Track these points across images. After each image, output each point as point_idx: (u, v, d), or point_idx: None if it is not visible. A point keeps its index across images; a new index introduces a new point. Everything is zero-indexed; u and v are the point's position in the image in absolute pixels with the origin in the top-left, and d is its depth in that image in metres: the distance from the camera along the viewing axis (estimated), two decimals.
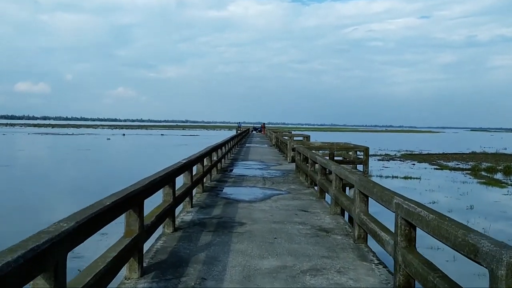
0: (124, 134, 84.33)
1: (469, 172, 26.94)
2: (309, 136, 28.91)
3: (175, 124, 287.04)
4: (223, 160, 13.74)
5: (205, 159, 9.43)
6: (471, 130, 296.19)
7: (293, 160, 15.62)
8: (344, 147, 15.13)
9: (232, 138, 17.76)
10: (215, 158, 11.08)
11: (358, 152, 15.69)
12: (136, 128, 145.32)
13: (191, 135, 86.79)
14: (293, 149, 17.21)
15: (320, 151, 14.83)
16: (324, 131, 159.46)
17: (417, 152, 44.83)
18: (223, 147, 13.22)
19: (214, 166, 10.84)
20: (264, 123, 71.24)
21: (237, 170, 13.27)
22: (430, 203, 13.88)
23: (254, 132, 68.64)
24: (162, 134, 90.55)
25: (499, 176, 25.57)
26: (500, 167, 28.58)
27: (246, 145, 26.45)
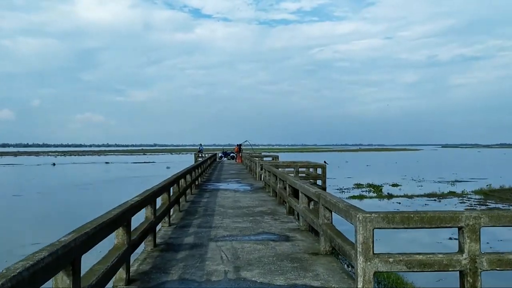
0: (54, 164, 70.82)
1: None
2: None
3: (140, 148, 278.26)
4: None
5: None
6: (442, 147, 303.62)
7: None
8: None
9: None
10: None
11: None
12: (84, 155, 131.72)
13: (143, 162, 76.09)
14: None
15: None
16: (297, 151, 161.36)
17: (472, 182, 35.95)
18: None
19: None
20: (240, 145, 45.88)
21: None
22: None
23: (224, 159, 48.20)
24: (106, 162, 77.98)
25: None
26: None
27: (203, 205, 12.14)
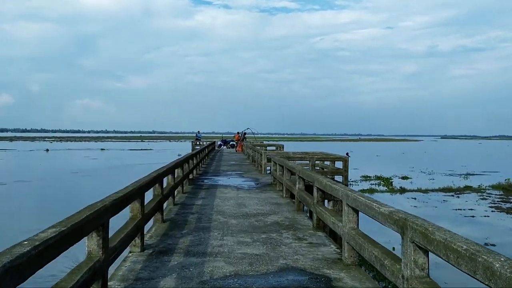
0: (47, 150, 68.09)
1: None
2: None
3: (138, 135, 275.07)
4: None
5: None
6: (441, 138, 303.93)
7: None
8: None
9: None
10: None
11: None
12: (80, 141, 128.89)
13: (140, 150, 73.34)
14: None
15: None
16: (297, 140, 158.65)
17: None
18: None
19: None
20: (241, 133, 42.90)
21: None
22: None
23: (223, 147, 44.96)
24: (102, 149, 75.11)
25: None
26: None
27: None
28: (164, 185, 7.92)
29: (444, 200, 23.73)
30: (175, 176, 9.84)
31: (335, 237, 7.27)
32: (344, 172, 13.16)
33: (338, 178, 14.19)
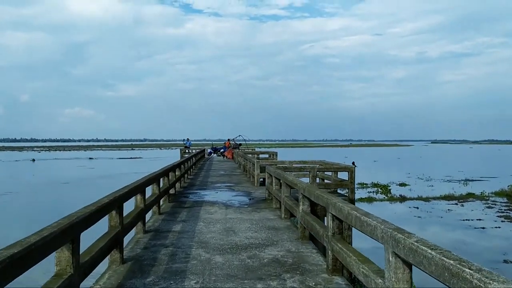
0: (33, 160, 65.70)
1: None
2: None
3: (129, 143, 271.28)
4: None
5: None
6: (431, 143, 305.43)
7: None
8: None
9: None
10: None
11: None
12: (70, 150, 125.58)
13: (129, 158, 71.17)
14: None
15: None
16: (288, 147, 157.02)
17: None
18: None
19: None
20: (232, 140, 41.73)
21: None
22: None
23: (213, 155, 43.30)
24: (90, 158, 72.06)
25: None
26: None
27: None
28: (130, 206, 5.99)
29: (448, 209, 22.18)
30: (154, 191, 7.94)
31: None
32: (350, 184, 11.30)
33: (343, 191, 12.38)
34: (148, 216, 8.38)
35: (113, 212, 5.18)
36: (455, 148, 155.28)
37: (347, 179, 11.61)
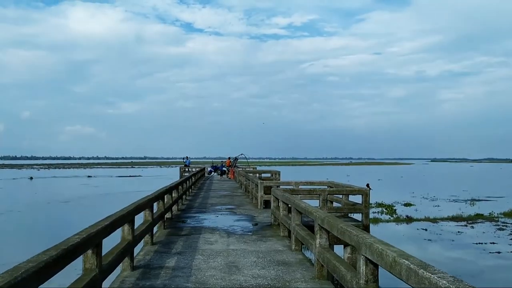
0: (31, 178, 64.38)
1: None
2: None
3: (129, 161, 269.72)
4: None
5: None
6: (431, 161, 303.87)
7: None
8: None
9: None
10: None
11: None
12: (69, 168, 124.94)
13: (128, 176, 70.22)
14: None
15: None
16: (289, 165, 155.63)
17: None
18: None
19: None
20: (232, 158, 40.56)
21: None
22: None
23: (214, 174, 42.19)
24: (89, 176, 71.33)
25: None
26: None
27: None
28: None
29: (458, 232, 21.06)
30: (147, 218, 6.89)
31: None
32: (364, 208, 10.22)
33: (357, 216, 11.30)
34: (140, 246, 7.31)
35: (89, 252, 4.13)
36: (455, 167, 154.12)
37: (360, 202, 10.52)
